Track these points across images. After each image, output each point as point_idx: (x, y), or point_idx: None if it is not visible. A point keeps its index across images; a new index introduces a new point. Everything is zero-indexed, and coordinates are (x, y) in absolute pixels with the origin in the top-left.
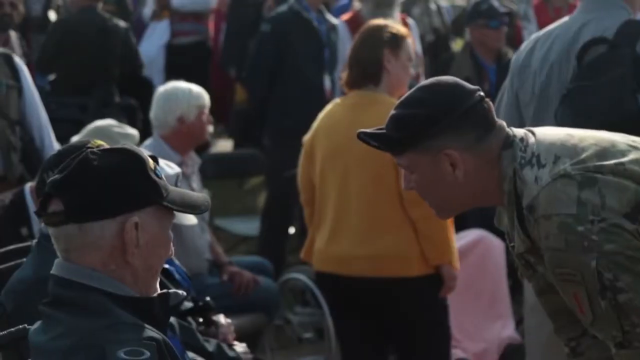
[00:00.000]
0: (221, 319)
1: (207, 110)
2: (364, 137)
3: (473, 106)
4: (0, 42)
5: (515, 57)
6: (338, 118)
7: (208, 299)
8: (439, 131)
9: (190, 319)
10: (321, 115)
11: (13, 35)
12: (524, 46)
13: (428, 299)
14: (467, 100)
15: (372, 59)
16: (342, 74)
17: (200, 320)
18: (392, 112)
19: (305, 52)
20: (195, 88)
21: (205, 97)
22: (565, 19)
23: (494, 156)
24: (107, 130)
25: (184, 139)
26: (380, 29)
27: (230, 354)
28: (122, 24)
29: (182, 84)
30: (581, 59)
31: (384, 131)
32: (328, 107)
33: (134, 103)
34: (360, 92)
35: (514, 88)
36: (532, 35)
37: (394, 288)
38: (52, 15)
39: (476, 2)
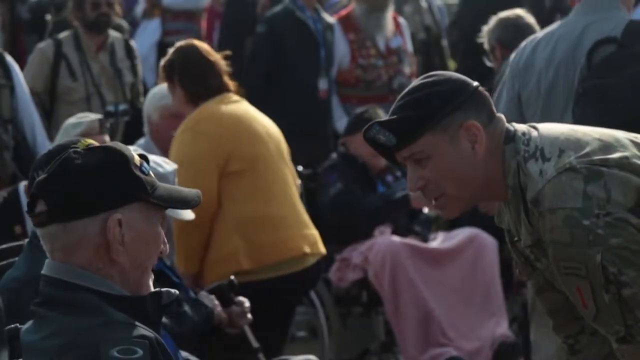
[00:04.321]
0: (241, 298)
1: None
2: (378, 129)
3: (476, 89)
4: (96, 45)
5: (516, 58)
6: None
7: (232, 277)
8: (456, 107)
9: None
10: None
11: (113, 35)
12: (524, 47)
13: None
14: (469, 84)
15: None
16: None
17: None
18: (399, 101)
19: (300, 52)
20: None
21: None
22: (565, 20)
23: (499, 145)
24: (66, 124)
25: (160, 140)
26: None
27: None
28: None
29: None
30: (591, 58)
31: (397, 117)
32: None
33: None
34: None
35: (516, 88)
36: (530, 37)
37: None
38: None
39: None
